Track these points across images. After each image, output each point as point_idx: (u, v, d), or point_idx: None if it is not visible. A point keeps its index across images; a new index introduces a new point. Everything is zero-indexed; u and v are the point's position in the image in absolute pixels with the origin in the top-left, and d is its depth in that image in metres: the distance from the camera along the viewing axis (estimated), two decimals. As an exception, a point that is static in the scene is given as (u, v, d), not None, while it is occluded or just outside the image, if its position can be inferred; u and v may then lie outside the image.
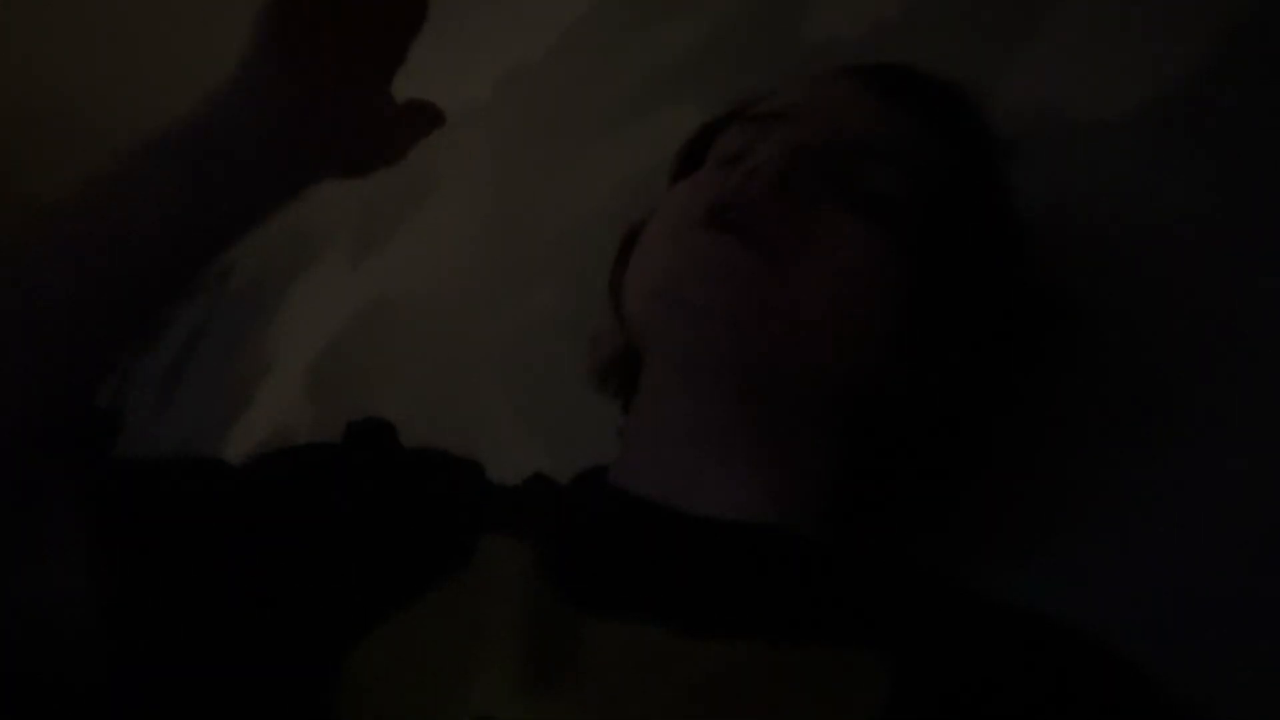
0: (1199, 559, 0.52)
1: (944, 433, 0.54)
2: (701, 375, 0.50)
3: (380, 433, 0.58)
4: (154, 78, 2.31)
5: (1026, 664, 0.42)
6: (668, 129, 1.05)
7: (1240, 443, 0.53)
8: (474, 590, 0.46)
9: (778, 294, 0.47)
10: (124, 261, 0.46)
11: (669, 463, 0.52)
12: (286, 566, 0.48)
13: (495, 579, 0.47)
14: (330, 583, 0.48)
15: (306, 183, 0.52)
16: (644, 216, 0.58)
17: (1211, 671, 0.48)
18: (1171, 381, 0.57)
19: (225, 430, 1.49)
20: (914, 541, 0.57)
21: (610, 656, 0.43)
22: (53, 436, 0.44)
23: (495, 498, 0.56)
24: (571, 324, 1.00)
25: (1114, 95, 0.67)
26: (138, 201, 0.47)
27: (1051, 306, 0.57)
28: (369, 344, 1.33)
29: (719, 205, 0.49)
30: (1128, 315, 0.60)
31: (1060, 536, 0.57)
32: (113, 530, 0.45)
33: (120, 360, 0.49)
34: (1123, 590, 0.53)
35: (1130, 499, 0.55)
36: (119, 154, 0.47)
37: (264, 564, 0.48)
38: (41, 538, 0.43)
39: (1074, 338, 0.61)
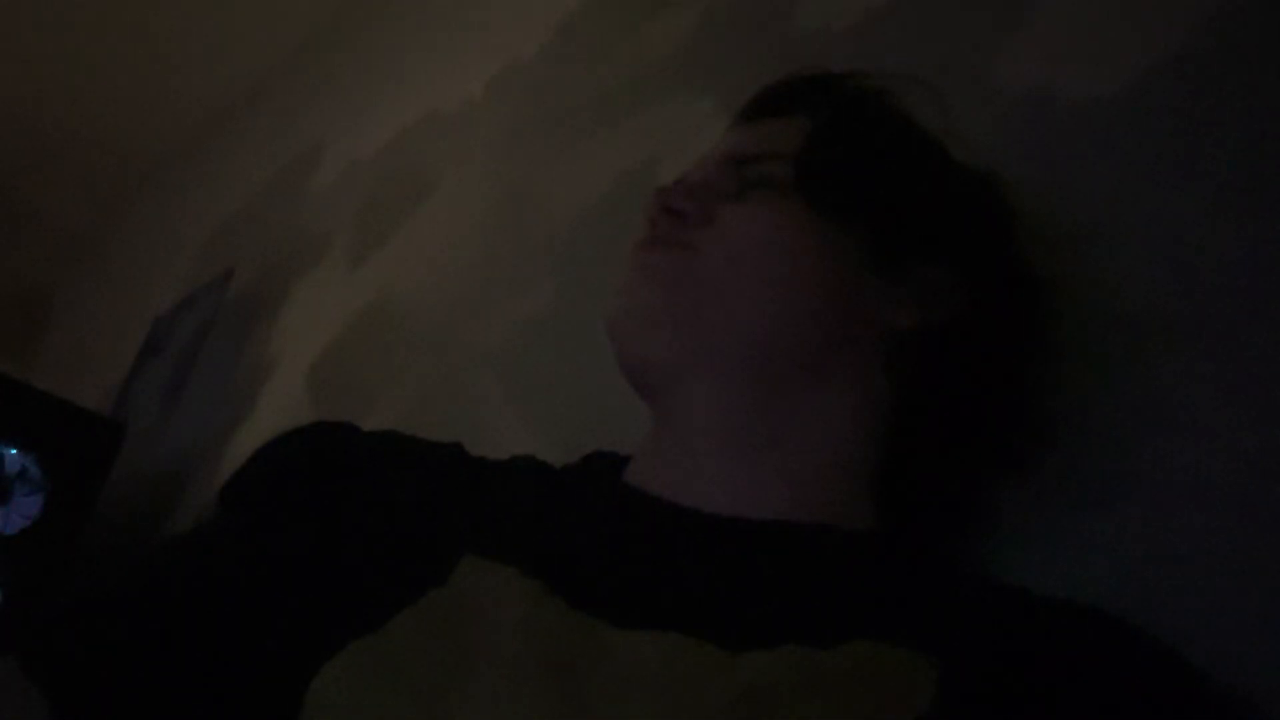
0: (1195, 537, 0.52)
1: (981, 363, 0.56)
2: (678, 381, 0.54)
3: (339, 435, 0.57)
4: (155, 91, 2.31)
5: (1074, 656, 0.43)
6: (661, 123, 1.05)
7: (1248, 423, 0.53)
8: (455, 610, 0.44)
9: (700, 274, 0.54)
10: None
11: (684, 463, 0.52)
12: (253, 586, 0.47)
13: (483, 597, 0.44)
14: (297, 603, 0.46)
15: None
16: None
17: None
18: (1166, 358, 0.57)
19: (229, 435, 1.49)
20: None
21: (641, 670, 0.41)
22: None
23: (479, 499, 0.53)
24: (570, 321, 1.01)
25: (1105, 74, 0.67)
26: None
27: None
28: (369, 345, 1.34)
29: (646, 234, 0.58)
30: (1118, 293, 0.60)
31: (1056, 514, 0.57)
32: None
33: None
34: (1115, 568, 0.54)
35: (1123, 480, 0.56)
36: None
37: (229, 584, 0.48)
38: None
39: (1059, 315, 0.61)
